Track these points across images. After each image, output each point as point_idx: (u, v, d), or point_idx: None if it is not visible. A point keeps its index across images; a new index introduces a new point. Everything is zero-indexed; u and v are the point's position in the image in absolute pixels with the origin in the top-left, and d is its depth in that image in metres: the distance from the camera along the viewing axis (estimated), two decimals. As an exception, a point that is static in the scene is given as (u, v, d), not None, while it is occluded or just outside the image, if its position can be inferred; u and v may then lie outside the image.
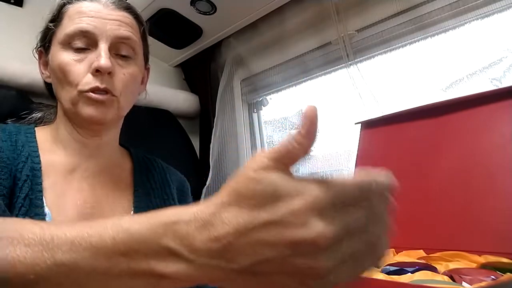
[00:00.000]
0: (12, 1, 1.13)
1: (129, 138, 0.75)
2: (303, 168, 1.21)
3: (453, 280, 0.49)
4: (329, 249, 0.24)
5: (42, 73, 0.67)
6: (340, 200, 0.25)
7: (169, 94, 1.35)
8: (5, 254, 0.28)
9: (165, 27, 1.23)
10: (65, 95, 0.60)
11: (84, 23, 0.59)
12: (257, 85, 1.34)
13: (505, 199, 0.60)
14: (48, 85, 0.67)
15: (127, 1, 0.67)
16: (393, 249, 0.70)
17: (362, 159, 0.85)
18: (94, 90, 0.58)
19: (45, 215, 0.55)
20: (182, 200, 0.75)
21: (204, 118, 1.42)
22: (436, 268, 0.55)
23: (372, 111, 0.94)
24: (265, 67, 1.29)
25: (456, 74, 1.01)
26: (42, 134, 0.64)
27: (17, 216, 0.52)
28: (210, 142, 1.30)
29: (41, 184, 0.57)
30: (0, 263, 0.28)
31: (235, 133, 1.34)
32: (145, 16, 1.12)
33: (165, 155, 0.84)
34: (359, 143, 0.88)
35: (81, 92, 0.58)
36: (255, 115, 1.41)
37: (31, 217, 0.53)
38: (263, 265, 0.25)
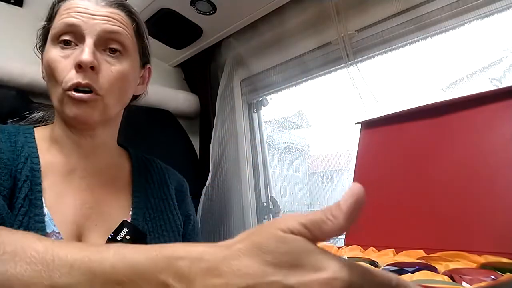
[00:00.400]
0: (12, 1, 1.13)
1: (129, 138, 0.74)
2: (302, 167, 1.21)
3: (453, 280, 0.49)
4: None
5: (42, 73, 0.66)
6: (358, 285, 0.24)
7: (169, 94, 1.35)
8: (5, 270, 0.29)
9: (165, 27, 1.22)
10: (53, 94, 0.59)
11: (71, 17, 0.58)
12: (257, 85, 1.34)
13: (505, 199, 0.60)
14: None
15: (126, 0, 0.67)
16: (393, 249, 0.70)
17: (362, 159, 0.85)
18: (77, 86, 0.56)
19: (45, 215, 0.55)
20: (181, 200, 0.75)
21: (204, 118, 1.42)
22: (436, 268, 0.55)
23: (372, 111, 0.94)
24: (265, 67, 1.29)
25: (456, 74, 1.02)
26: (41, 135, 0.64)
27: (16, 216, 0.53)
28: (210, 142, 1.30)
29: (41, 184, 0.57)
30: None
31: (235, 133, 1.34)
32: (145, 16, 1.13)
33: (165, 155, 0.84)
34: (359, 143, 0.88)
35: (65, 91, 0.57)
36: (255, 115, 1.41)
37: (31, 217, 0.54)
38: None
